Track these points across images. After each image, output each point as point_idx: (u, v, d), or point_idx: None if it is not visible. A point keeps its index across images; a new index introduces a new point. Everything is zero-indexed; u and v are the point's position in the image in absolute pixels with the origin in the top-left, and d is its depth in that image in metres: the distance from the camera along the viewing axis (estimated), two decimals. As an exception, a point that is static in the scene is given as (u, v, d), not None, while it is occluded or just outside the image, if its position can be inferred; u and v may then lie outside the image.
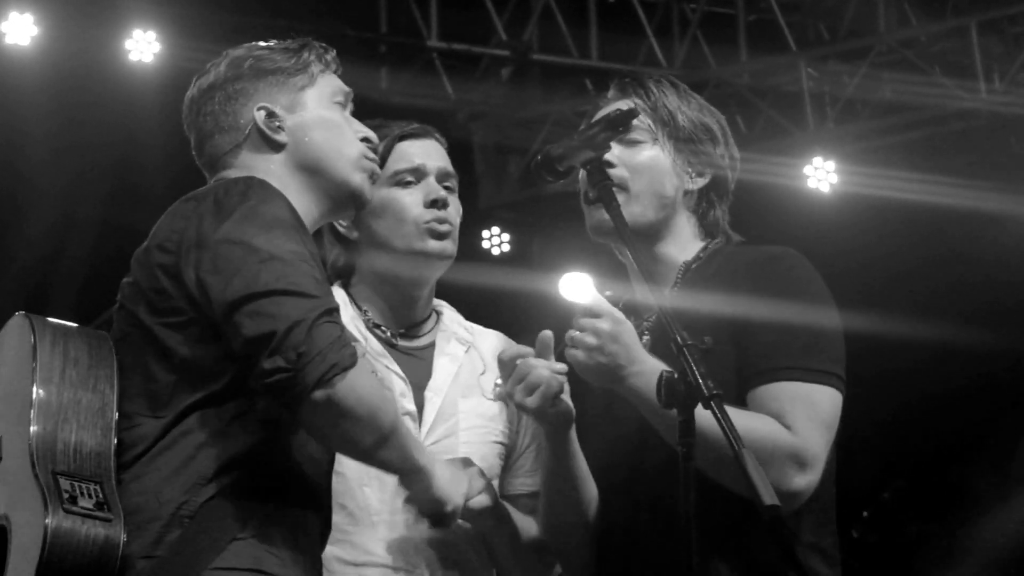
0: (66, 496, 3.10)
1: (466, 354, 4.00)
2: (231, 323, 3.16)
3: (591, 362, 3.44)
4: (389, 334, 3.95)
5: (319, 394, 3.09)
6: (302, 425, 3.19)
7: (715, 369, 3.31)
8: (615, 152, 3.67)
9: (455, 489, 3.46)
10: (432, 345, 3.98)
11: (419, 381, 3.91)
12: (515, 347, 3.65)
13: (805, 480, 3.42)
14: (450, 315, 4.07)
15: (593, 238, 3.72)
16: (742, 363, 3.50)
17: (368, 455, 3.27)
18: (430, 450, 3.69)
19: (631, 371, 3.42)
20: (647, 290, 3.55)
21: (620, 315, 3.46)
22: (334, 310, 3.17)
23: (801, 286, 3.56)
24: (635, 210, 3.66)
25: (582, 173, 3.63)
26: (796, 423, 3.42)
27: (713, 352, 3.36)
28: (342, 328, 3.17)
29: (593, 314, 3.46)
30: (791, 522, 3.47)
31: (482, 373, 3.98)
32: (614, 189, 3.57)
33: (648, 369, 3.35)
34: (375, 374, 3.36)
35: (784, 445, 3.39)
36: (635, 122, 3.69)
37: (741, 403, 3.46)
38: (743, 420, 3.26)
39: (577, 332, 3.46)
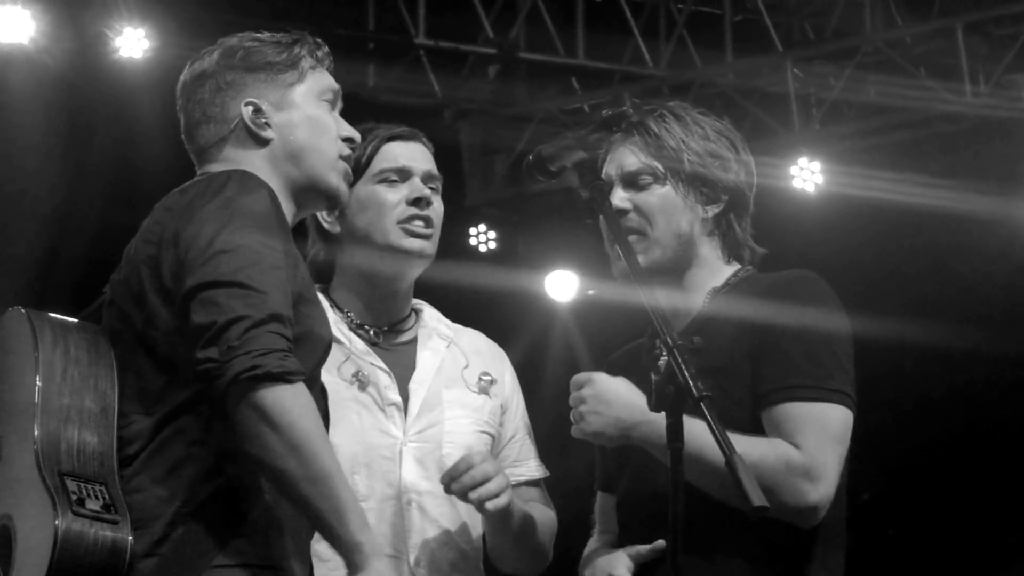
0: (74, 498, 3.11)
1: (447, 349, 4.06)
2: (186, 309, 3.18)
3: (591, 428, 3.56)
4: (372, 333, 4.00)
5: (237, 389, 3.07)
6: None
7: (731, 387, 3.41)
8: (626, 197, 3.73)
9: None
10: (414, 341, 4.04)
11: (403, 374, 3.97)
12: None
13: (818, 493, 3.48)
14: (430, 312, 4.13)
15: (620, 281, 3.72)
16: (756, 382, 3.55)
17: (286, 480, 3.11)
18: (416, 438, 3.83)
19: (635, 423, 3.49)
20: (677, 299, 3.66)
21: (600, 376, 3.57)
22: (282, 316, 3.15)
23: (814, 307, 3.60)
24: (655, 254, 3.71)
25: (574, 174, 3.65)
26: (806, 442, 3.48)
27: (727, 371, 3.44)
28: (289, 344, 3.14)
29: (575, 386, 3.58)
30: (791, 533, 3.53)
31: (465, 367, 4.06)
32: (633, 236, 3.67)
33: (652, 418, 3.31)
34: (318, 413, 3.21)
35: (796, 464, 3.46)
36: (640, 165, 3.74)
37: (755, 420, 3.53)
38: (753, 447, 3.36)
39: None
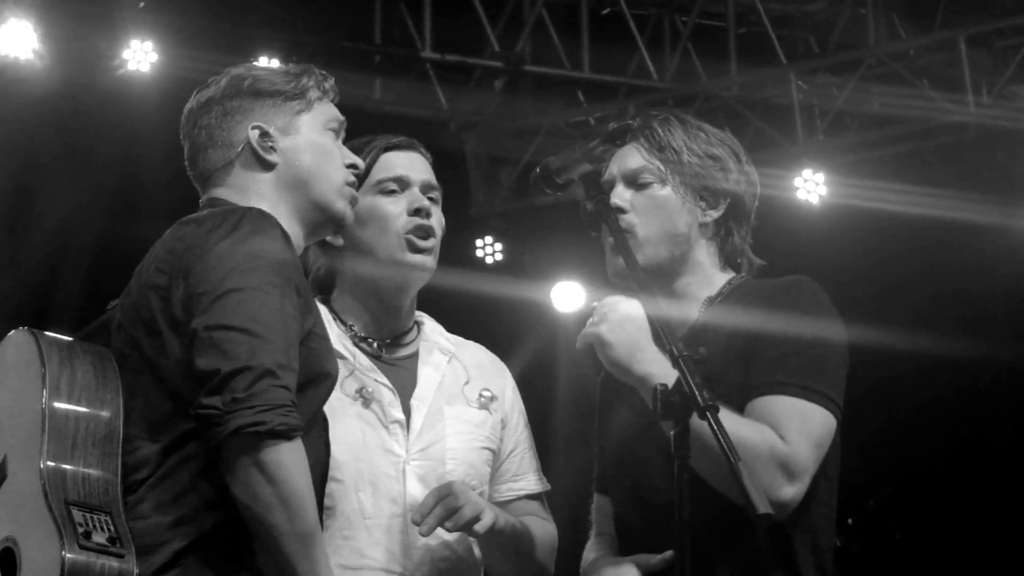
0: (81, 530, 3.10)
1: (448, 364, 4.05)
2: (192, 347, 3.19)
3: (607, 338, 3.60)
4: (375, 346, 4.00)
5: (237, 441, 3.10)
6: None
7: (724, 392, 3.35)
8: (625, 196, 3.76)
9: None
10: (415, 355, 4.03)
11: (405, 389, 3.96)
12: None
13: (793, 490, 3.47)
14: (431, 326, 4.12)
15: (615, 282, 3.76)
16: (744, 379, 3.55)
17: (270, 531, 3.15)
18: (419, 456, 3.84)
19: (639, 358, 3.53)
20: (672, 308, 3.66)
21: (626, 304, 3.58)
22: (286, 366, 3.17)
23: (808, 312, 3.60)
24: (648, 251, 3.72)
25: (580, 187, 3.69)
26: (789, 435, 3.47)
27: (721, 378, 3.42)
28: (292, 397, 3.17)
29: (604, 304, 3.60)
30: (790, 541, 3.56)
31: (466, 383, 4.04)
32: (630, 236, 3.68)
33: (655, 357, 3.37)
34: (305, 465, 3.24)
35: (778, 453, 3.44)
36: (643, 164, 3.77)
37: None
38: (740, 426, 3.35)
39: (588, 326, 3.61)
